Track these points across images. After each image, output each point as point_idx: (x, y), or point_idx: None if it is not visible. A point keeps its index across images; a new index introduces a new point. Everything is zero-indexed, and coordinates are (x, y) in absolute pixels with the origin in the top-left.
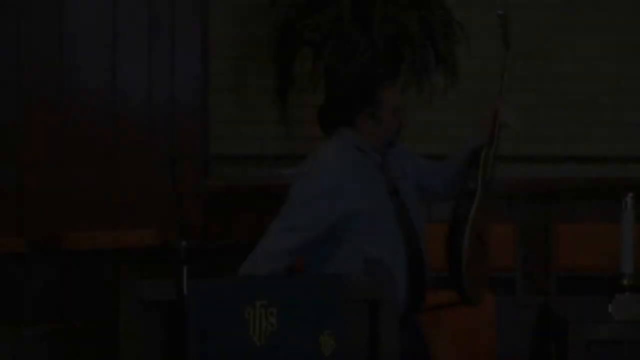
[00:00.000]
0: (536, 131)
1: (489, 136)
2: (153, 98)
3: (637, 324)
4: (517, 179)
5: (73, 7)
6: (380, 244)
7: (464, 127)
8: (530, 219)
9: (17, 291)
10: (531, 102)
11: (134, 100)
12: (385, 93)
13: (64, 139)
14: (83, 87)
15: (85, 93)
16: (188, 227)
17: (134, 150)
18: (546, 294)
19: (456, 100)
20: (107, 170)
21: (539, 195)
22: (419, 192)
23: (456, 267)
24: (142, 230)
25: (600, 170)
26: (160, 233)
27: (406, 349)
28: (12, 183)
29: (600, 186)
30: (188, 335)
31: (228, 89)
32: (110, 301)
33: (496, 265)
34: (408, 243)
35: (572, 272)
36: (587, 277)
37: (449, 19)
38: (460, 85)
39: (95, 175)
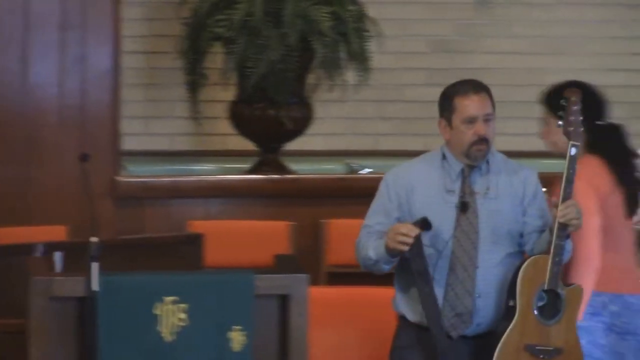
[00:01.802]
0: None
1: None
2: (64, 93)
3: None
4: None
5: None
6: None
7: (377, 121)
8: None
9: None
10: None
11: (45, 95)
12: (459, 100)
13: None
14: None
15: None
16: (99, 223)
17: (45, 146)
18: None
19: (369, 95)
20: (18, 166)
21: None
22: (516, 225)
23: None
24: (53, 226)
25: None
26: (71, 229)
27: None
28: None
29: None
30: (98, 331)
31: (139, 84)
32: (20, 297)
33: None
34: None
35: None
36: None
37: (361, 15)
38: (373, 81)
39: (6, 170)
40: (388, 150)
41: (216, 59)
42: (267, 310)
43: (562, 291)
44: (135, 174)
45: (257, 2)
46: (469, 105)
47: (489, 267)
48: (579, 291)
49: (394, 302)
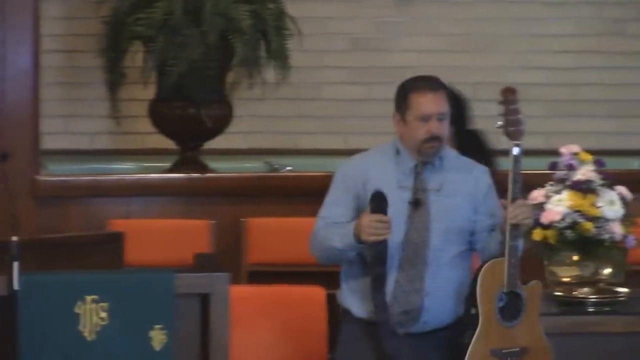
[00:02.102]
0: (368, 125)
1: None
2: None
3: None
4: None
5: None
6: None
7: (297, 120)
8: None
9: None
10: (362, 96)
11: None
12: (415, 97)
13: None
14: None
15: None
16: (19, 222)
17: None
18: None
19: (289, 94)
20: None
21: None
22: (467, 222)
23: None
24: None
25: None
26: None
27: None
28: None
29: None
30: (18, 330)
31: (59, 83)
32: None
33: None
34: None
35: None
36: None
37: (280, 13)
38: (293, 79)
39: None
40: (308, 148)
41: (136, 58)
42: (188, 309)
43: (523, 291)
44: (56, 173)
45: (176, 0)
46: (424, 103)
47: (439, 265)
48: (539, 286)
49: (340, 296)
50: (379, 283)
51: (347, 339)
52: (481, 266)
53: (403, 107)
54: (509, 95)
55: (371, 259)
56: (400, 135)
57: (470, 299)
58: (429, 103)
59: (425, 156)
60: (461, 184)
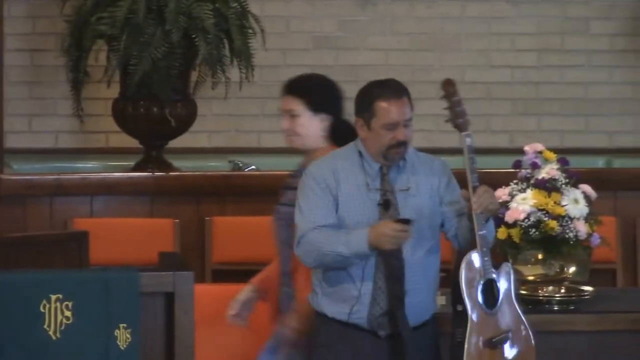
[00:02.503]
0: None
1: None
2: None
3: None
4: None
5: None
6: None
7: (260, 119)
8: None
9: None
10: None
11: None
12: (381, 105)
13: None
14: None
15: None
16: None
17: None
18: None
19: (252, 92)
20: None
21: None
22: (436, 217)
23: None
24: None
25: None
26: None
27: None
28: None
29: None
30: None
31: (23, 82)
32: None
33: None
34: (383, 259)
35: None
36: None
37: (243, 12)
38: (256, 78)
39: None
40: (271, 147)
41: (100, 57)
42: (153, 308)
43: (496, 275)
44: (19, 171)
45: None
46: (391, 111)
47: (414, 263)
48: (507, 269)
49: (313, 300)
50: (395, 290)
51: (326, 343)
52: (458, 263)
53: (368, 114)
54: (449, 88)
55: (385, 264)
56: (364, 139)
57: (453, 297)
58: (395, 111)
59: (391, 161)
60: (425, 181)
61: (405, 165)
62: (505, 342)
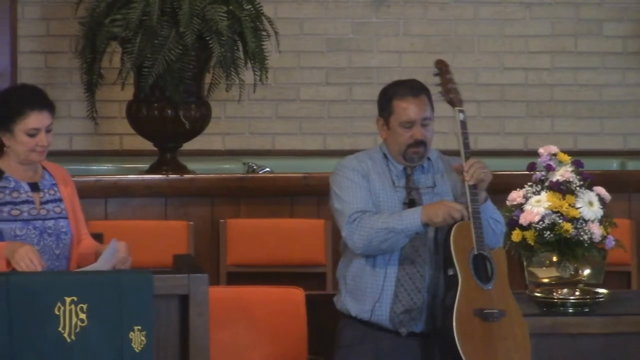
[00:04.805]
0: (346, 126)
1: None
2: None
3: None
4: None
5: None
6: None
7: (274, 121)
8: None
9: None
10: (340, 97)
11: None
12: (398, 103)
13: None
14: None
15: None
16: None
17: None
18: None
19: (266, 95)
20: None
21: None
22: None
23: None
24: None
25: None
26: None
27: None
28: None
29: None
30: None
31: (36, 84)
32: None
33: None
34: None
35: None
36: None
37: (257, 14)
38: (270, 80)
39: None
40: (286, 149)
41: (113, 59)
42: (167, 310)
43: (490, 255)
44: None
45: (153, 1)
46: (408, 108)
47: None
48: (503, 252)
49: (339, 301)
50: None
51: (348, 343)
52: (450, 228)
53: (386, 113)
54: (442, 66)
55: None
56: (385, 139)
57: (445, 261)
58: (412, 109)
59: (411, 161)
60: (447, 182)
61: (431, 165)
62: (497, 318)
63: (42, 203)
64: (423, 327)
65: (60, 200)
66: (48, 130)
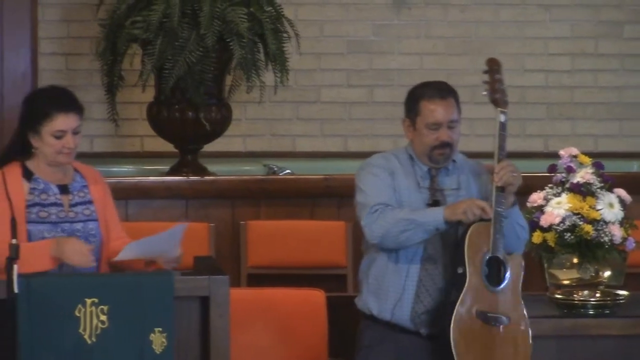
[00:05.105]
0: (367, 128)
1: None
2: None
3: None
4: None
5: None
6: None
7: (295, 123)
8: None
9: None
10: (361, 99)
11: None
12: (425, 105)
13: None
14: None
15: None
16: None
17: None
18: None
19: (287, 96)
20: None
21: None
22: None
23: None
24: None
25: None
26: None
27: None
28: None
29: None
30: (18, 333)
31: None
32: None
33: None
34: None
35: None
36: None
37: (278, 16)
38: (291, 82)
39: None
40: (307, 151)
41: (134, 61)
42: (188, 312)
43: (505, 259)
44: None
45: (173, 3)
46: (434, 110)
47: None
48: (520, 259)
49: (360, 300)
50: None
51: (370, 344)
52: (467, 227)
53: (413, 114)
54: (493, 65)
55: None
56: (411, 140)
57: (457, 259)
58: (439, 111)
59: (436, 162)
60: (476, 183)
61: (455, 167)
62: (499, 323)
63: (71, 206)
64: (444, 327)
65: (90, 202)
66: (75, 133)
